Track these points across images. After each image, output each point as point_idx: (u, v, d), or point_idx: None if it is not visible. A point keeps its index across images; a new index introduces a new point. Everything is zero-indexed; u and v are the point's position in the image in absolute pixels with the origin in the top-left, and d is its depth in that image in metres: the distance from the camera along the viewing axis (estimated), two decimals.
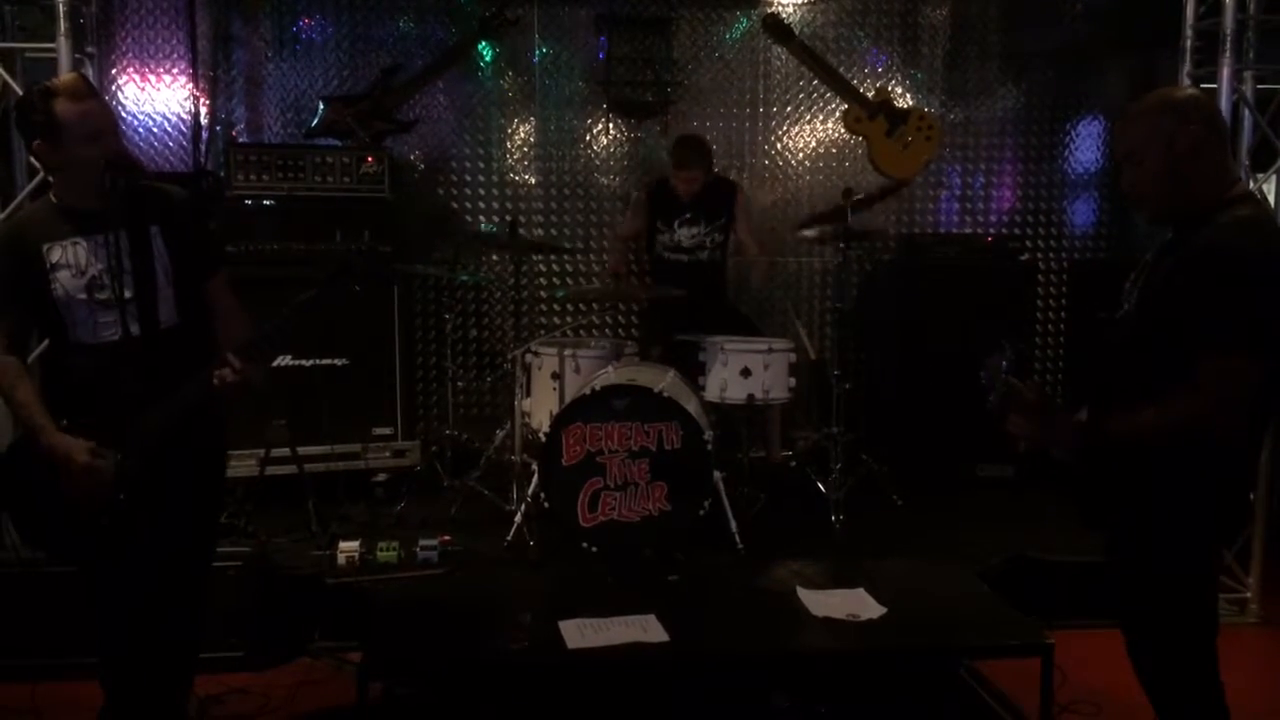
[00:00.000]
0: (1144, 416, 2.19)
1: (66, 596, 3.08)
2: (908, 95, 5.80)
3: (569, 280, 5.71)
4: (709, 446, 3.91)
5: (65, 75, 2.83)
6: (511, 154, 5.66)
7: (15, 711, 3.29)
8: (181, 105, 5.32)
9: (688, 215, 5.02)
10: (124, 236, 2.51)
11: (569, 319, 5.64)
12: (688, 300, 4.61)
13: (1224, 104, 4.19)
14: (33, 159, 2.70)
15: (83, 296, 2.54)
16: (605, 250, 5.65)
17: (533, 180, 5.68)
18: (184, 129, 5.33)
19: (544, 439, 3.98)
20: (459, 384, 5.41)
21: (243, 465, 4.48)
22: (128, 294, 2.52)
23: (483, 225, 5.53)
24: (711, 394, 4.41)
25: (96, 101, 2.58)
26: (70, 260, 2.54)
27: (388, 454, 4.85)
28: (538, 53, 5.59)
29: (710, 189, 5.02)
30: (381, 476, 4.84)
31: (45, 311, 2.57)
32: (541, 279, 5.70)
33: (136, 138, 5.29)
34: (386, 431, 4.85)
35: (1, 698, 3.36)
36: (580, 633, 2.93)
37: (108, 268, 2.50)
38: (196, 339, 2.67)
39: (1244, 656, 4.02)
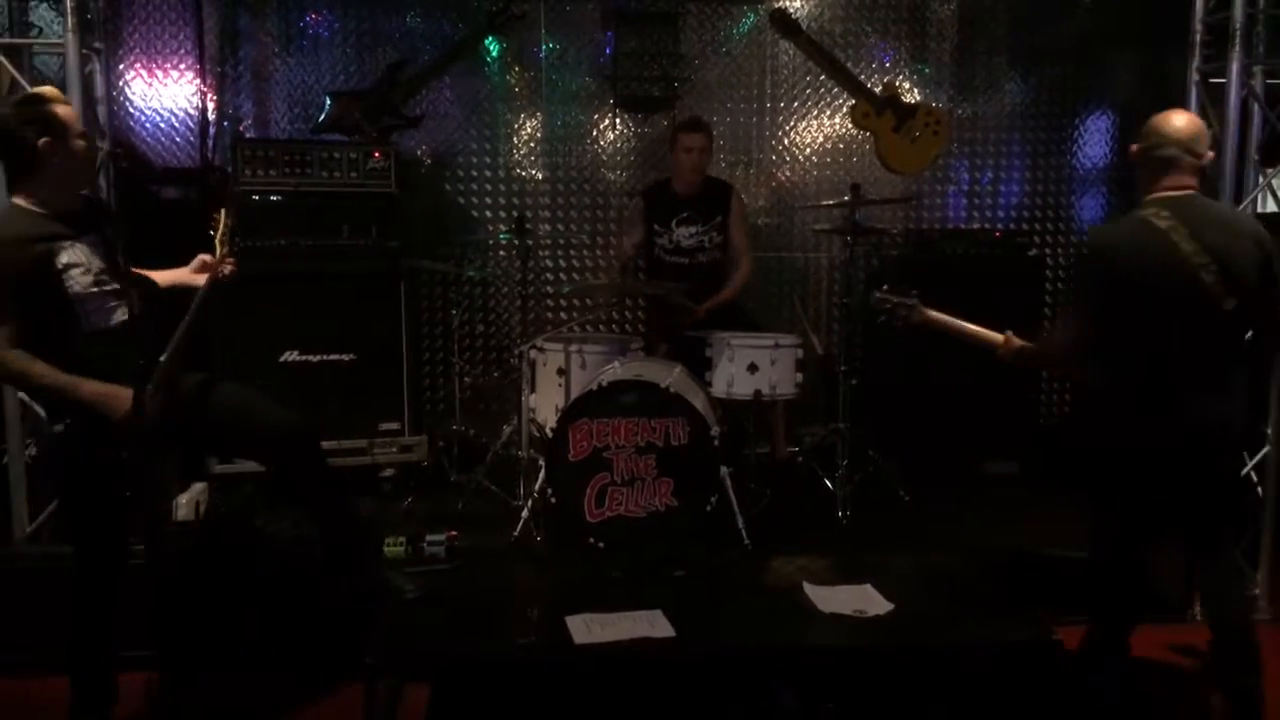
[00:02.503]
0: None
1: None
2: (915, 90, 5.79)
3: (576, 276, 5.71)
4: (716, 442, 3.91)
5: (45, 88, 3.03)
6: (518, 149, 5.66)
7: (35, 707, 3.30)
8: (189, 100, 5.32)
9: (685, 214, 4.98)
10: (104, 233, 2.94)
11: (575, 314, 5.64)
12: (692, 298, 4.61)
13: (1233, 98, 4.17)
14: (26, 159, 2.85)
15: (95, 290, 2.86)
16: (619, 271, 5.40)
17: (539, 175, 5.68)
18: (191, 124, 5.34)
19: (550, 434, 3.98)
20: (465, 379, 5.42)
21: (250, 461, 4.49)
22: (124, 282, 2.95)
23: (502, 234, 5.51)
24: (718, 389, 4.40)
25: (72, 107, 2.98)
26: (78, 259, 2.84)
27: (394, 449, 4.85)
28: (544, 48, 5.58)
29: (706, 187, 5.00)
30: (388, 472, 4.84)
31: (57, 311, 2.80)
32: (548, 274, 5.70)
33: (144, 133, 5.30)
34: (393, 427, 4.85)
35: (15, 692, 3.37)
36: (587, 628, 2.93)
37: (104, 262, 2.90)
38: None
39: None
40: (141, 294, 3.04)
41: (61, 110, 2.84)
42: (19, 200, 2.86)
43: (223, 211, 3.26)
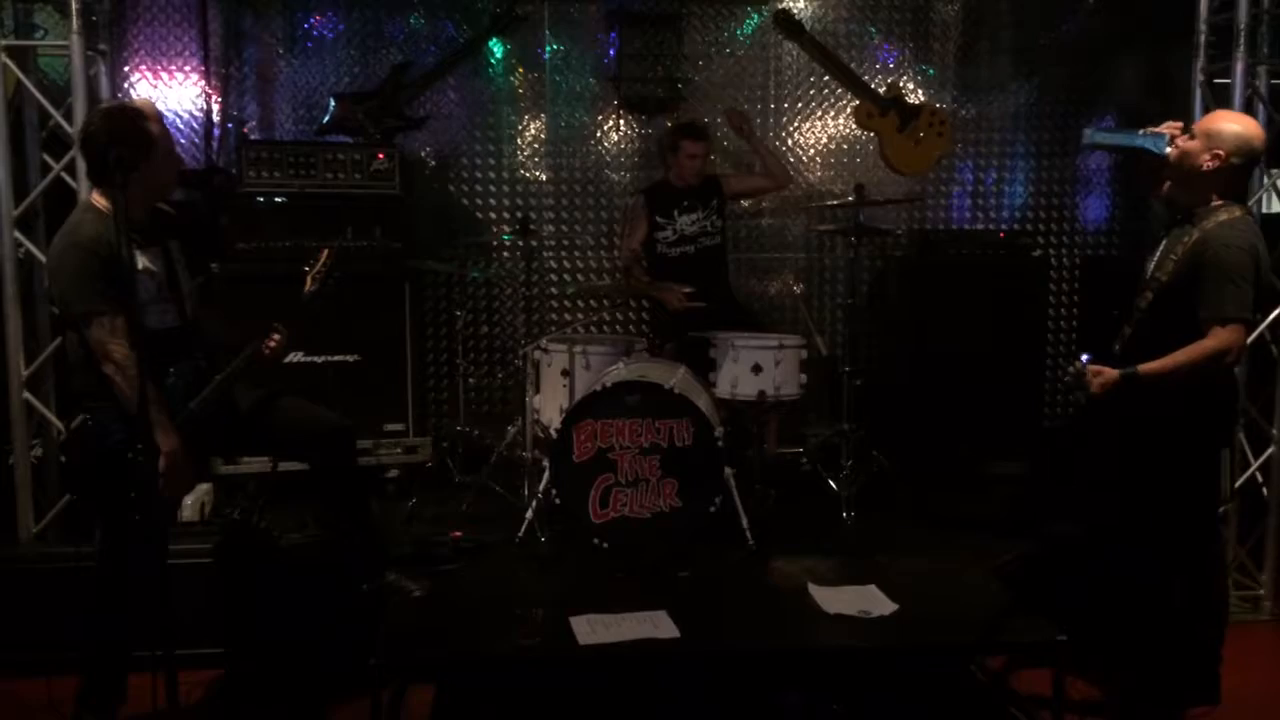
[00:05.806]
0: (1174, 357, 2.91)
1: (85, 591, 3.11)
2: (919, 91, 5.78)
3: (580, 277, 5.72)
4: (720, 443, 3.91)
5: (141, 102, 3.32)
6: (522, 150, 5.66)
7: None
8: (193, 102, 5.33)
9: (686, 203, 5.09)
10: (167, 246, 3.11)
11: (580, 315, 5.64)
12: (695, 293, 4.62)
13: (1238, 99, 4.16)
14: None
15: (155, 294, 3.04)
16: (624, 270, 5.36)
17: (543, 177, 5.68)
18: (196, 126, 5.35)
19: (554, 435, 3.98)
20: (470, 380, 5.42)
21: (255, 461, 4.50)
22: (177, 296, 3.11)
23: (506, 235, 5.51)
24: (722, 390, 4.40)
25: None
26: (148, 264, 3.02)
27: (399, 450, 4.86)
28: (548, 49, 5.58)
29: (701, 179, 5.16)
30: (393, 473, 4.85)
31: (130, 310, 2.86)
32: (552, 275, 5.70)
33: None
34: (398, 428, 4.86)
35: (22, 692, 3.37)
36: (591, 629, 2.93)
37: (165, 272, 3.07)
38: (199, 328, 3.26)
39: (1258, 654, 4.00)
40: (192, 303, 3.17)
41: (153, 129, 2.95)
42: (96, 200, 2.98)
43: (326, 251, 3.40)
